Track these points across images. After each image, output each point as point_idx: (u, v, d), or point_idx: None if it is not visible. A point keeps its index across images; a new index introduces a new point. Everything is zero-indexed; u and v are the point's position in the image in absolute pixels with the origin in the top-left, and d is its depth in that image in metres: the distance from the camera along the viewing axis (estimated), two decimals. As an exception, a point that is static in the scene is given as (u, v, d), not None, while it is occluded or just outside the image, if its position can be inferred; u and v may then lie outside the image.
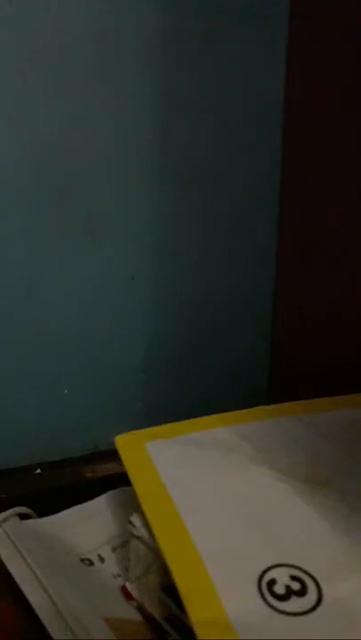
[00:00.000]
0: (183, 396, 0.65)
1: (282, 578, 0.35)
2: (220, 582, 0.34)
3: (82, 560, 0.45)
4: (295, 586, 0.34)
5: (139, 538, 0.41)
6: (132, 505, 0.43)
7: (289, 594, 0.34)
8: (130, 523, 0.42)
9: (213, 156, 0.61)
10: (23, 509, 0.47)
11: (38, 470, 0.59)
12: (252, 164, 0.63)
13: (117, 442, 0.46)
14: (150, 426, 0.47)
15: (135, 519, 0.41)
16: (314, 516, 0.39)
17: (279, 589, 0.34)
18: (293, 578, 0.35)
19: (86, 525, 0.48)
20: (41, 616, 0.37)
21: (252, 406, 0.50)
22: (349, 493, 0.42)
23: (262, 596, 0.34)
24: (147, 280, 0.62)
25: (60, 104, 0.55)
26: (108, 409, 0.63)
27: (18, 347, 0.58)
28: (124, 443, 0.46)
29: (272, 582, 0.34)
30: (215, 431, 0.47)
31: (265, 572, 0.35)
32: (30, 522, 0.47)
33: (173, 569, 0.35)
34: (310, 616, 0.33)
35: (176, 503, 0.40)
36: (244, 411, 0.50)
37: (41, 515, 0.48)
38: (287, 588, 0.34)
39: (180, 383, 0.65)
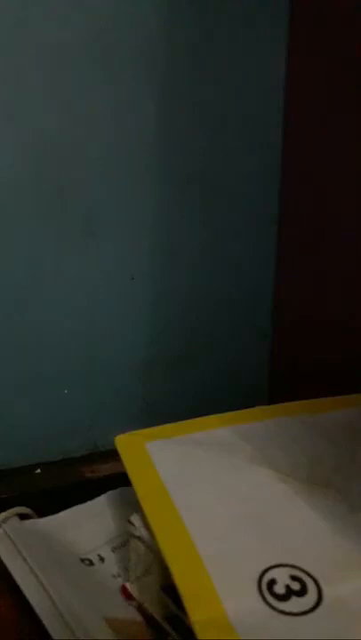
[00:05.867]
0: (183, 396, 0.65)
1: (282, 578, 0.35)
2: (220, 582, 0.34)
3: (82, 560, 0.45)
4: (295, 586, 0.34)
5: (139, 538, 0.41)
6: (132, 505, 0.43)
7: (289, 594, 0.34)
8: (130, 523, 0.42)
9: (213, 156, 0.61)
10: (23, 509, 0.47)
11: (38, 470, 0.59)
12: (251, 163, 0.63)
13: (117, 442, 0.46)
14: (150, 426, 0.47)
15: (135, 519, 0.41)
16: (314, 516, 0.39)
17: (279, 589, 0.34)
18: (293, 578, 0.35)
19: (86, 525, 0.48)
20: (41, 616, 0.37)
21: (252, 406, 0.50)
22: (349, 493, 0.42)
23: (262, 596, 0.34)
24: (147, 280, 0.62)
25: (61, 104, 0.55)
26: (108, 409, 0.63)
27: (18, 347, 0.58)
28: (124, 443, 0.46)
29: (272, 582, 0.34)
30: (215, 431, 0.47)
31: (265, 571, 0.35)
32: (30, 522, 0.47)
33: (173, 569, 0.35)
34: (310, 616, 0.33)
35: (176, 503, 0.40)
36: (244, 411, 0.50)
37: (41, 515, 0.48)
38: (287, 587, 0.34)
39: (180, 383, 0.65)
